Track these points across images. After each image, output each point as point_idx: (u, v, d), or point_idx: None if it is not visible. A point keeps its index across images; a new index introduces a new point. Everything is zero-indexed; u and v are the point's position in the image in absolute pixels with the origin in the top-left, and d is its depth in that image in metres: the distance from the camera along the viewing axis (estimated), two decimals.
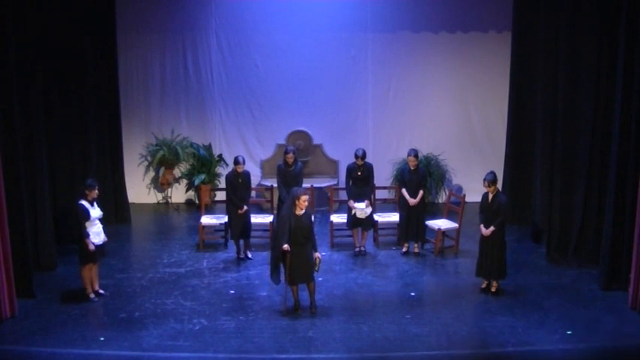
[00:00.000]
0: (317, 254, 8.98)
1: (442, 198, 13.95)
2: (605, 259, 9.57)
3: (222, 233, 11.68)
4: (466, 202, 11.53)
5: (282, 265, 8.92)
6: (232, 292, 9.80)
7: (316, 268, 8.96)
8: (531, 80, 12.02)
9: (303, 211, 8.91)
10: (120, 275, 10.36)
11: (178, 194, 14.60)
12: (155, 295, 9.61)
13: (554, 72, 10.91)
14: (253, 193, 11.63)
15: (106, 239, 9.58)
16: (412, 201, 10.94)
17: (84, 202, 9.26)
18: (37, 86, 10.24)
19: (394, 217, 11.63)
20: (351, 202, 11.08)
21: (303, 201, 8.86)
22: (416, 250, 11.25)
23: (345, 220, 11.38)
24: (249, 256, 11.02)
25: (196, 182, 13.95)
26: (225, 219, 11.39)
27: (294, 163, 11.20)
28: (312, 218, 9.36)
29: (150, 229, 13.10)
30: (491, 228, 9.36)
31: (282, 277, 8.97)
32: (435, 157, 13.90)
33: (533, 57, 11.87)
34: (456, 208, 11.40)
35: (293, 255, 8.79)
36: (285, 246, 8.75)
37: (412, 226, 11.05)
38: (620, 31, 9.16)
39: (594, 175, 10.32)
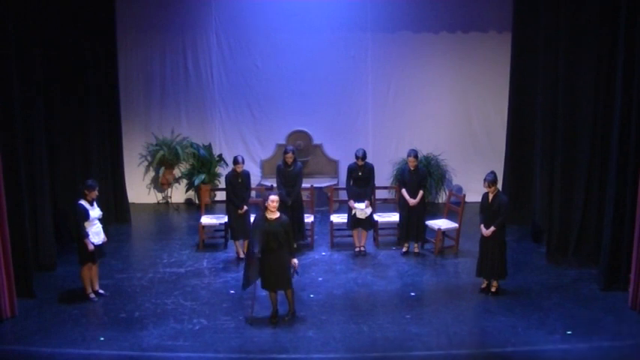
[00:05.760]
0: (294, 260, 8.59)
1: (442, 198, 13.97)
2: (605, 259, 9.56)
3: (222, 233, 11.69)
4: (466, 202, 11.52)
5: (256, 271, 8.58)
6: (232, 292, 9.80)
7: (293, 272, 8.57)
8: (531, 80, 12.02)
9: (276, 215, 8.55)
10: (120, 275, 10.35)
11: (178, 194, 14.60)
12: (155, 295, 9.61)
13: (554, 72, 10.91)
14: (253, 193, 11.63)
15: (105, 239, 9.57)
16: (412, 201, 10.94)
17: (83, 203, 9.26)
18: (37, 86, 10.24)
19: (394, 217, 11.63)
20: (352, 202, 11.08)
21: (271, 201, 8.51)
22: (416, 250, 11.25)
23: (345, 220, 11.39)
24: None
25: (196, 182, 13.96)
26: (225, 219, 11.39)
27: (294, 163, 11.18)
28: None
29: (150, 229, 13.09)
30: (492, 228, 9.36)
31: (259, 282, 8.74)
32: (435, 157, 13.90)
33: (533, 57, 11.87)
34: (456, 208, 11.40)
35: (263, 261, 8.49)
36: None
37: (412, 226, 11.05)
38: (620, 31, 9.16)
39: (594, 175, 10.32)
